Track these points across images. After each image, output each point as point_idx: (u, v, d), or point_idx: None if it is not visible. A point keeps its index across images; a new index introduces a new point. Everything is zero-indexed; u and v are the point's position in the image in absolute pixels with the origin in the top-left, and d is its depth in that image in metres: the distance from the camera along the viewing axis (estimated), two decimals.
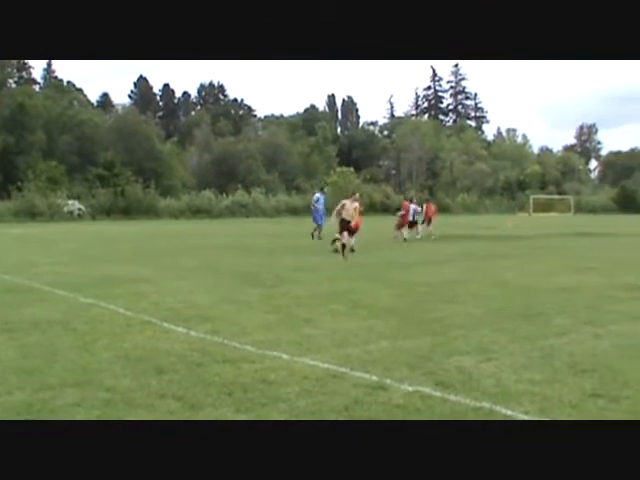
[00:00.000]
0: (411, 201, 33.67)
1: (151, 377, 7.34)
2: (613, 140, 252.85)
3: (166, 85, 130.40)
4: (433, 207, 35.30)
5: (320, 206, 31.82)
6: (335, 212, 23.74)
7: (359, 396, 6.60)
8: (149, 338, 9.37)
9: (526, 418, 5.96)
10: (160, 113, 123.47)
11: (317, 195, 33.48)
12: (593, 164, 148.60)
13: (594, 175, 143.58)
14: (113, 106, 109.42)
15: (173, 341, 9.17)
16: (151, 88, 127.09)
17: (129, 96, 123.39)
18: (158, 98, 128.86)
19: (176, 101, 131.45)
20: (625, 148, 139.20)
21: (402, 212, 31.90)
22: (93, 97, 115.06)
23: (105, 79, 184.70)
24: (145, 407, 6.27)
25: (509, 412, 6.12)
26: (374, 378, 7.25)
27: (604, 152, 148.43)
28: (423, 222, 33.83)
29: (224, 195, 75.49)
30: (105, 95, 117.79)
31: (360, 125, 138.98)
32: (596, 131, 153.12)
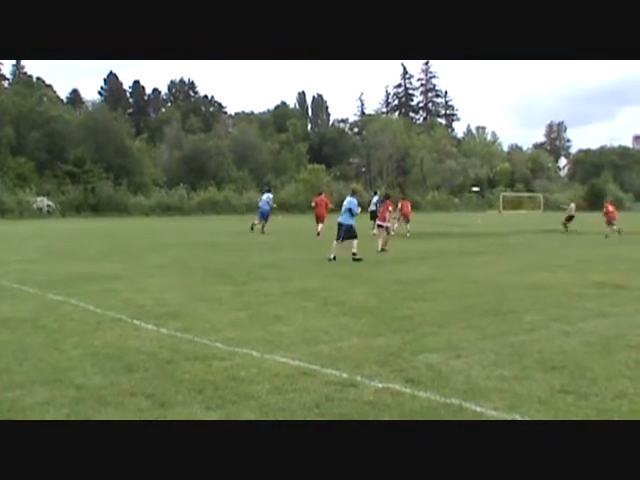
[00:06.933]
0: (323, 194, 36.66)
1: (121, 375, 7.32)
2: (582, 138, 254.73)
3: (136, 82, 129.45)
4: (409, 205, 35.95)
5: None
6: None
7: (330, 393, 6.62)
8: (119, 336, 9.33)
9: (495, 414, 6.01)
10: (130, 110, 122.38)
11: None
12: (563, 162, 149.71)
13: (564, 173, 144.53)
14: (83, 103, 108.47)
15: (143, 339, 9.14)
16: (121, 85, 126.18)
17: (99, 93, 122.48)
18: (128, 95, 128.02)
19: (146, 98, 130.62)
20: (594, 146, 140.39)
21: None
22: (63, 93, 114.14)
23: (75, 75, 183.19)
24: (115, 405, 6.25)
25: (478, 408, 6.16)
26: (344, 375, 7.27)
27: (573, 150, 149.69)
28: (399, 219, 34.16)
29: (195, 192, 75.41)
30: (75, 91, 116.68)
31: (330, 122, 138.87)
32: (565, 129, 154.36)
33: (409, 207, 35.67)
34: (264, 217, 35.51)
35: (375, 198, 34.92)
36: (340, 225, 20.80)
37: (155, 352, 8.36)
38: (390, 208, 25.22)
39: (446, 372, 7.48)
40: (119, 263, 19.22)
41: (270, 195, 36.90)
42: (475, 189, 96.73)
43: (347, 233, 20.56)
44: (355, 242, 20.43)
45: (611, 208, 36.09)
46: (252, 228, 35.20)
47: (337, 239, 20.67)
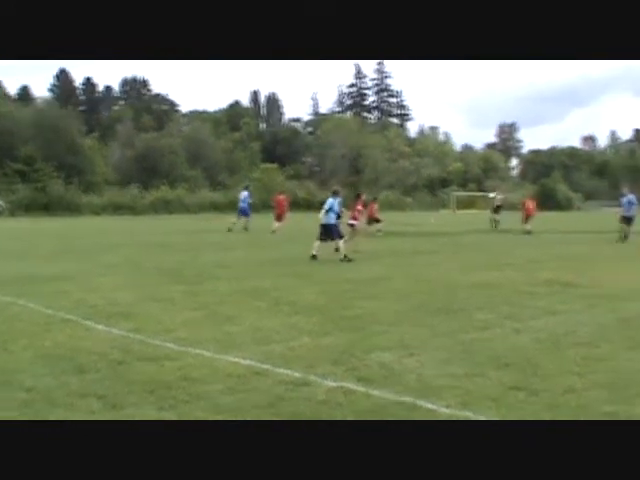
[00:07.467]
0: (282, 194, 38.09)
1: (72, 376, 7.25)
2: (532, 139, 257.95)
3: (88, 79, 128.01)
4: (374, 206, 35.78)
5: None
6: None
7: (282, 392, 6.63)
8: (70, 336, 9.24)
9: (448, 412, 6.06)
10: (81, 107, 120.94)
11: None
12: (514, 162, 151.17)
13: (515, 173, 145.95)
14: (33, 99, 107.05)
15: (94, 339, 9.06)
16: (72, 82, 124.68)
17: (50, 90, 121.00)
18: (80, 92, 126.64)
19: (98, 95, 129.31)
20: (544, 147, 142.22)
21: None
22: (12, 90, 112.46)
23: (25, 72, 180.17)
24: (66, 407, 6.19)
25: (431, 406, 6.21)
26: (297, 374, 7.28)
27: (525, 150, 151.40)
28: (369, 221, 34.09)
29: (147, 191, 74.77)
30: (25, 88, 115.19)
31: (284, 121, 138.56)
32: (516, 130, 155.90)
33: (373, 208, 35.44)
34: (244, 214, 35.82)
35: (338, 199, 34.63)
36: (322, 227, 20.49)
37: (106, 353, 8.29)
38: (359, 207, 25.14)
39: (399, 370, 7.53)
40: (70, 263, 19.00)
41: (246, 193, 36.99)
42: None
43: (327, 233, 20.30)
44: (319, 244, 20.24)
45: (531, 205, 36.83)
46: (230, 229, 34.18)
47: (330, 240, 20.42)
